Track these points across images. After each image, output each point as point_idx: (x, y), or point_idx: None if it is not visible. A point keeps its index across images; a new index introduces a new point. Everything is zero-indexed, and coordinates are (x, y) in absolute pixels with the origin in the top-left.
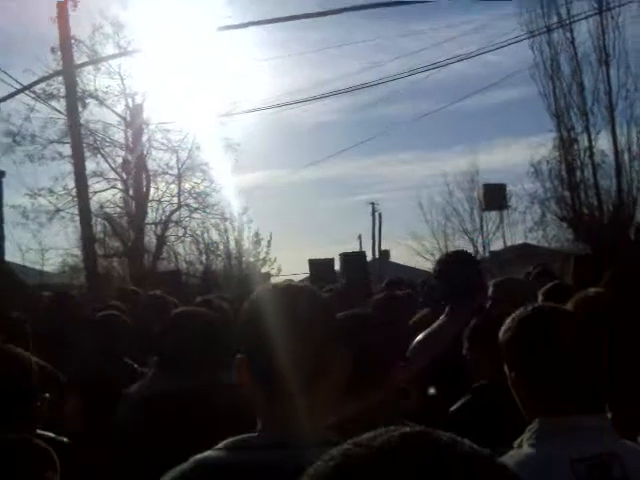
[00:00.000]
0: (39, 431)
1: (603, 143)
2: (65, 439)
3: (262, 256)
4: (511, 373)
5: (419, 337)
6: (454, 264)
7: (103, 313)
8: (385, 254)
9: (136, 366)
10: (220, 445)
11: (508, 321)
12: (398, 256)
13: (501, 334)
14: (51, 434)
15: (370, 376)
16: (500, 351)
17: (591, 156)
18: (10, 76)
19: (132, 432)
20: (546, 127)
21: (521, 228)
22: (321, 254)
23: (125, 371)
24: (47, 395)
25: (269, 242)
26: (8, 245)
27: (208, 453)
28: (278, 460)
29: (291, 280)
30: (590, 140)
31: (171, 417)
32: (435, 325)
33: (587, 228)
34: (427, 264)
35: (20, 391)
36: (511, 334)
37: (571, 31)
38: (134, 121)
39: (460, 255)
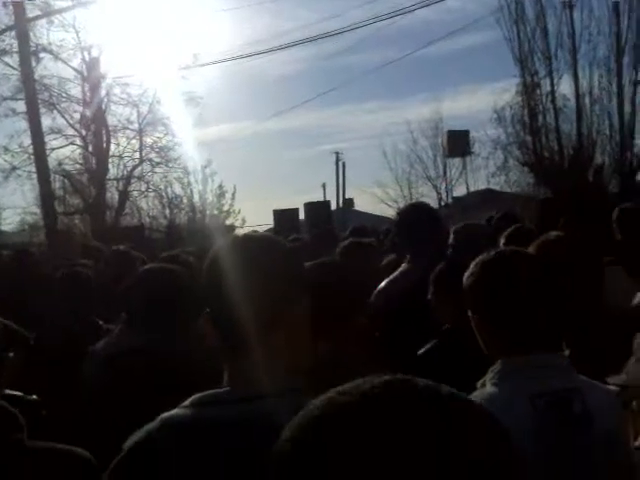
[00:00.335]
0: (7, 391)
1: (565, 87)
2: (34, 397)
3: (226, 208)
4: (474, 316)
5: (381, 285)
6: (411, 216)
7: (67, 270)
8: (349, 202)
9: (102, 323)
10: (187, 402)
11: (472, 265)
12: (362, 204)
13: (465, 278)
14: (19, 393)
15: (339, 322)
16: (464, 295)
17: (553, 100)
18: None
19: (98, 389)
20: (510, 73)
21: (484, 174)
22: (286, 205)
23: (92, 328)
24: (11, 354)
25: (233, 194)
26: None
27: (175, 411)
28: (242, 414)
29: (255, 231)
30: (552, 84)
31: (138, 373)
32: (396, 272)
33: (547, 172)
34: (391, 211)
35: None
36: (474, 278)
37: None
38: (91, 75)
39: (417, 206)
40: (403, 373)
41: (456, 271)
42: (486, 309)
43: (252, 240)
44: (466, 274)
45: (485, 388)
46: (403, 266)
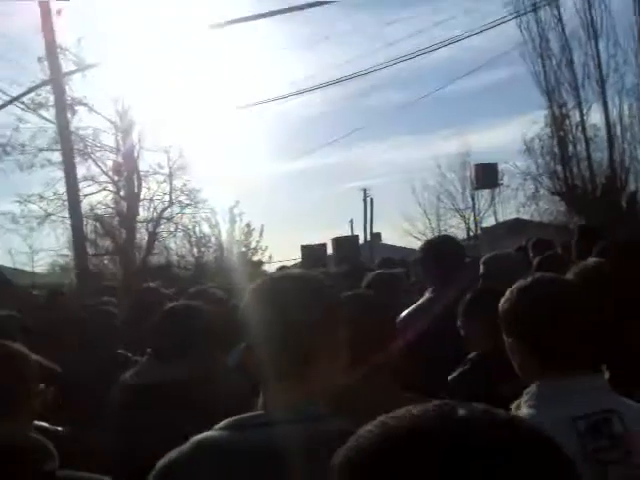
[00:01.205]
0: (38, 422)
1: (595, 117)
2: (59, 428)
3: (253, 245)
4: (509, 340)
5: (406, 312)
6: (437, 246)
7: (96, 306)
8: (377, 236)
9: (130, 355)
10: (221, 424)
11: (509, 291)
12: (390, 238)
13: (501, 303)
14: (45, 424)
15: (370, 354)
16: (499, 319)
17: (583, 130)
18: None
19: (126, 419)
20: (537, 105)
21: (513, 204)
22: (313, 240)
23: (118, 361)
24: (43, 386)
25: (261, 232)
26: None
27: (207, 433)
28: (274, 438)
29: (284, 267)
30: (582, 114)
31: (167, 403)
32: (420, 301)
33: (580, 200)
34: (419, 243)
35: (18, 384)
36: (512, 302)
37: (557, 8)
38: (124, 124)
39: (443, 238)
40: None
41: (487, 297)
42: (523, 332)
43: (289, 276)
44: (503, 299)
45: (521, 410)
46: (426, 295)
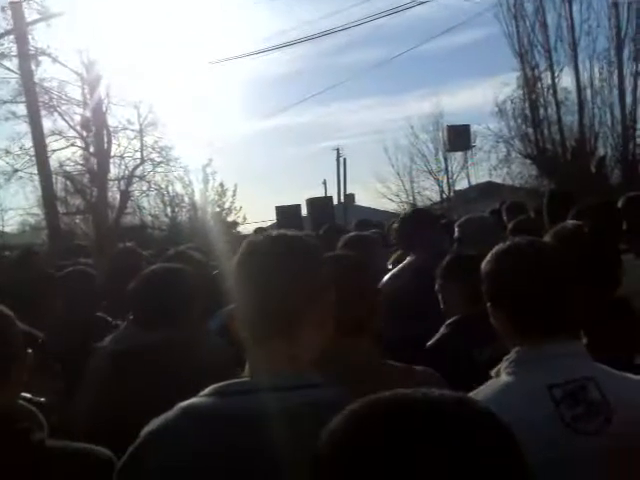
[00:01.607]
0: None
1: (566, 80)
2: (42, 399)
3: (227, 206)
4: (490, 305)
5: (385, 277)
6: (411, 222)
7: (69, 269)
8: (350, 198)
9: (110, 319)
10: (206, 391)
11: (490, 254)
12: (363, 200)
13: (482, 266)
14: (27, 395)
15: (352, 316)
16: (480, 283)
17: (554, 93)
18: None
19: (105, 386)
20: (510, 67)
21: (486, 167)
22: (287, 201)
23: (98, 326)
24: (30, 352)
25: (234, 192)
26: None
27: (194, 400)
28: (261, 405)
29: (263, 229)
30: (553, 77)
31: (148, 370)
32: (400, 266)
33: (550, 163)
34: (393, 205)
35: (4, 349)
36: (490, 267)
37: None
38: (90, 76)
39: (416, 212)
40: (413, 364)
41: (465, 261)
42: (502, 298)
43: (279, 239)
44: (483, 262)
45: (500, 377)
46: (407, 260)
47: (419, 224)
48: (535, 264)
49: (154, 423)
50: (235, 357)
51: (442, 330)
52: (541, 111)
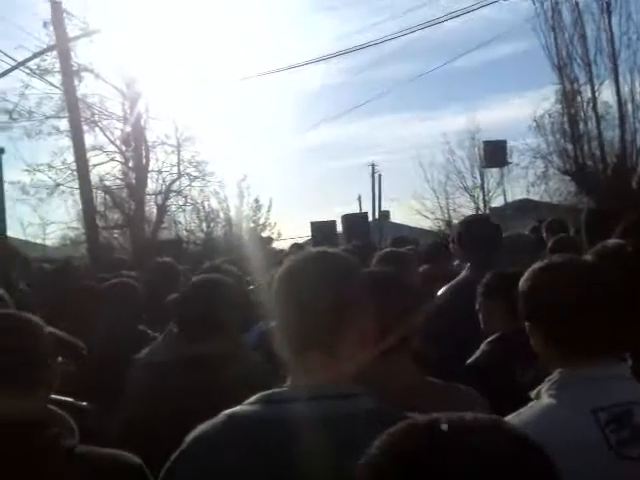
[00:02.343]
0: (58, 397)
1: (606, 94)
2: (85, 404)
3: (262, 221)
4: (528, 324)
5: (442, 290)
6: (481, 228)
7: (114, 281)
8: (385, 215)
9: (149, 332)
10: (252, 399)
11: (528, 272)
12: (398, 216)
13: (520, 284)
14: (69, 399)
15: (389, 333)
16: (518, 302)
17: (594, 107)
18: (4, 53)
19: (142, 395)
20: (548, 80)
21: (523, 183)
22: (321, 217)
23: (139, 337)
24: (60, 359)
25: (269, 207)
26: (9, 221)
27: (237, 407)
28: (306, 413)
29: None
30: (593, 91)
31: (186, 382)
32: (457, 279)
33: (590, 180)
34: (428, 222)
35: (33, 355)
36: (528, 285)
37: None
38: (131, 92)
39: (487, 220)
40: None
41: (506, 279)
42: (539, 317)
43: (320, 255)
44: (521, 281)
45: (541, 399)
46: (463, 274)
47: (487, 236)
48: (574, 282)
49: (199, 429)
50: (271, 371)
51: (482, 347)
52: (581, 126)
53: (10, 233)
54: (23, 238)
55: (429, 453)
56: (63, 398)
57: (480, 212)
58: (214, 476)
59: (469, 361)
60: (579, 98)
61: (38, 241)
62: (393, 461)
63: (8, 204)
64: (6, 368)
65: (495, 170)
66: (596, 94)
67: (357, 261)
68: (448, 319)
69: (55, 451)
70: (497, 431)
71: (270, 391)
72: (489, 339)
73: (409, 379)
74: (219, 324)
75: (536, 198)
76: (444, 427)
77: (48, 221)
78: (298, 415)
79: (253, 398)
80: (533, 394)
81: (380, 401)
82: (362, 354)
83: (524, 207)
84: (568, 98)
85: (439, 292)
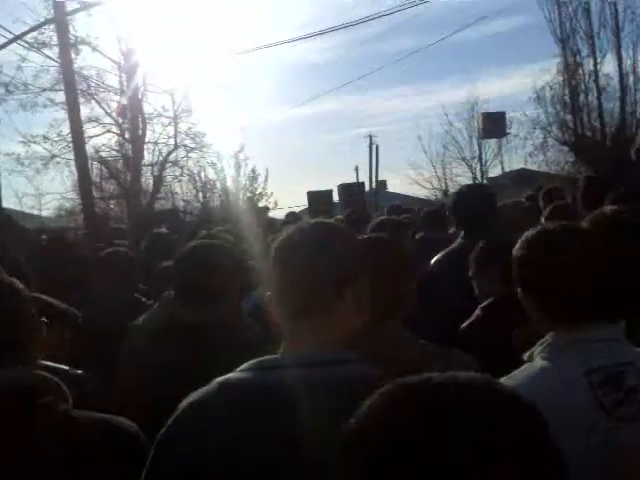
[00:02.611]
0: (52, 364)
1: (608, 67)
2: (79, 371)
3: (259, 191)
4: (521, 290)
5: (437, 257)
6: (476, 196)
7: (110, 250)
8: (382, 184)
9: (144, 300)
10: (244, 366)
11: (522, 238)
12: (395, 186)
13: (514, 251)
14: (64, 366)
15: (385, 298)
16: (512, 268)
17: (596, 79)
18: (2, 27)
19: (140, 361)
20: (549, 53)
21: (521, 154)
22: (319, 187)
23: (136, 306)
24: (45, 320)
25: (266, 177)
26: (4, 192)
27: (230, 375)
28: (300, 379)
29: (295, 214)
30: (595, 64)
31: (181, 349)
32: (451, 248)
33: (589, 149)
34: (424, 192)
35: (20, 321)
36: (521, 252)
37: None
38: (128, 65)
39: (483, 188)
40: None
41: (499, 246)
42: (532, 284)
43: (316, 225)
44: (515, 247)
45: (534, 362)
46: (457, 242)
47: (482, 204)
48: (567, 249)
49: (192, 396)
50: (267, 338)
51: (476, 312)
52: (581, 97)
53: (5, 204)
54: (19, 209)
55: (421, 413)
56: (57, 365)
57: (477, 182)
58: (208, 442)
59: (463, 326)
60: (581, 70)
61: (35, 212)
62: (381, 422)
63: (3, 175)
64: None
65: (493, 141)
66: (598, 66)
67: (351, 229)
68: (441, 286)
69: (48, 416)
70: (490, 390)
71: (263, 358)
72: (482, 304)
73: (404, 345)
74: (216, 290)
75: (534, 168)
76: (436, 385)
77: (44, 192)
78: (292, 382)
79: (246, 365)
80: (526, 356)
81: (375, 367)
82: (357, 321)
83: (521, 177)
84: (570, 70)
85: (433, 259)
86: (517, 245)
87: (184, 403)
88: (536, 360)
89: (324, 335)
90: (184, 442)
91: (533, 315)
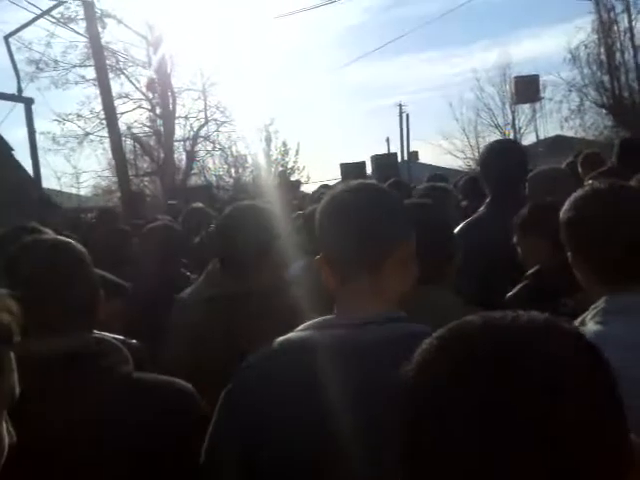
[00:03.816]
0: (108, 335)
1: None
2: (135, 341)
3: (290, 165)
4: (570, 254)
5: (464, 223)
6: (508, 155)
7: (157, 223)
8: (414, 155)
9: (189, 274)
10: (301, 327)
11: (569, 200)
12: (427, 156)
13: (561, 213)
14: (120, 337)
15: (429, 264)
16: (560, 232)
17: (632, 37)
18: (28, 2)
19: (189, 334)
20: (583, 11)
21: (556, 119)
22: (350, 159)
23: (182, 279)
24: (103, 293)
25: (297, 151)
26: (43, 171)
27: (288, 335)
28: (340, 337)
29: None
30: (630, 20)
31: (230, 317)
32: (479, 213)
33: (628, 112)
34: (457, 162)
35: (88, 291)
36: (569, 214)
37: None
38: (154, 37)
39: (504, 144)
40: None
41: (544, 211)
42: (583, 246)
43: (364, 186)
44: (562, 211)
45: (587, 326)
46: (480, 210)
47: (513, 164)
48: (617, 207)
49: (254, 356)
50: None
51: (523, 281)
52: (617, 56)
53: (45, 184)
54: (58, 188)
55: (483, 348)
56: (114, 335)
57: None
58: (272, 398)
59: (509, 294)
60: (616, 28)
61: (73, 191)
62: (442, 359)
63: (40, 154)
64: (61, 300)
65: (527, 106)
66: (633, 23)
67: (396, 192)
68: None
69: (112, 378)
70: (553, 329)
71: (321, 318)
72: (528, 272)
73: (451, 307)
74: (261, 253)
75: (570, 134)
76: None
77: (80, 170)
78: (349, 339)
79: (303, 325)
80: (577, 322)
81: (425, 326)
82: (406, 282)
83: (556, 144)
84: (605, 28)
85: (455, 230)
86: (565, 207)
87: (245, 362)
88: (589, 325)
89: (376, 296)
90: (247, 400)
91: (584, 280)
